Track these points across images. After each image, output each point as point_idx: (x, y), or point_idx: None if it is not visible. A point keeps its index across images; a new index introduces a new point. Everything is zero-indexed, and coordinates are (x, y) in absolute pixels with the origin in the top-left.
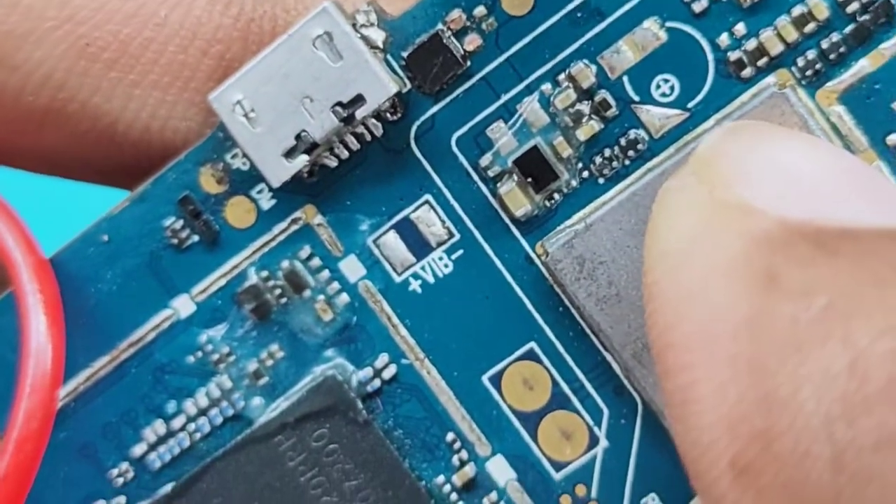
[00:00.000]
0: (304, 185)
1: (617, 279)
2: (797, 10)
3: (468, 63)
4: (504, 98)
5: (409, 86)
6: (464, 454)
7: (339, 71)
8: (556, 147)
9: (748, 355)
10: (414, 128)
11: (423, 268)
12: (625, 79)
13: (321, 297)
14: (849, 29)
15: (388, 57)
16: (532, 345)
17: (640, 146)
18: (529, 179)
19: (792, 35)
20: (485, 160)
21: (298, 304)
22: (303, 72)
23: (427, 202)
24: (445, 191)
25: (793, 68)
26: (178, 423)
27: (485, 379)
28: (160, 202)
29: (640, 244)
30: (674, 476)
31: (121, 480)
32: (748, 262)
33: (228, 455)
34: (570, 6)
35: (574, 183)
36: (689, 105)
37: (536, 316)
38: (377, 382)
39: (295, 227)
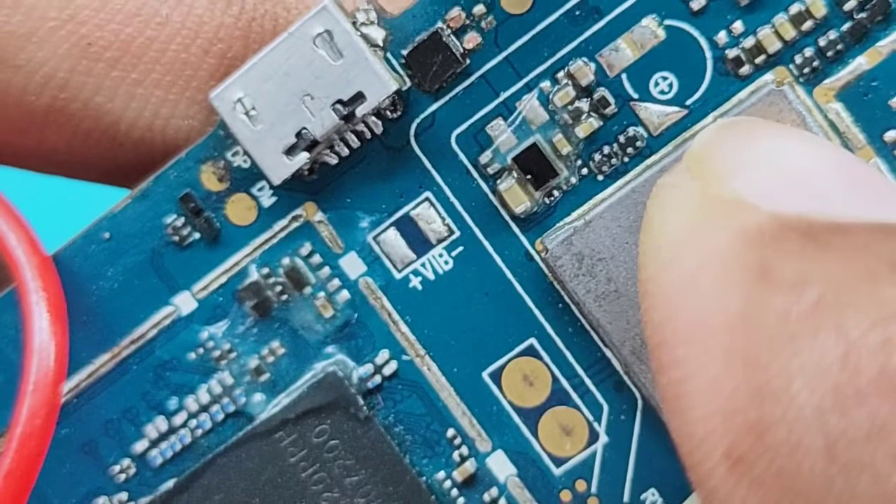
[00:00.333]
0: (305, 183)
1: (616, 275)
2: (795, 8)
3: (468, 61)
4: (503, 96)
5: (408, 83)
6: (464, 450)
7: (340, 69)
8: (555, 144)
9: (741, 348)
10: (414, 125)
11: (423, 265)
12: (623, 76)
13: (322, 293)
14: (846, 26)
15: (388, 55)
16: (532, 341)
17: (638, 143)
18: (529, 176)
19: (790, 33)
20: (484, 157)
21: (299, 300)
22: (303, 70)
23: (427, 199)
24: (445, 188)
25: (790, 66)
26: (179, 419)
27: (485, 375)
28: (161, 200)
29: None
30: (674, 471)
31: (122, 477)
32: (740, 256)
33: (230, 451)
34: (569, 4)
35: (573, 180)
36: (688, 102)
37: (536, 312)
38: (378, 379)
39: (296, 225)
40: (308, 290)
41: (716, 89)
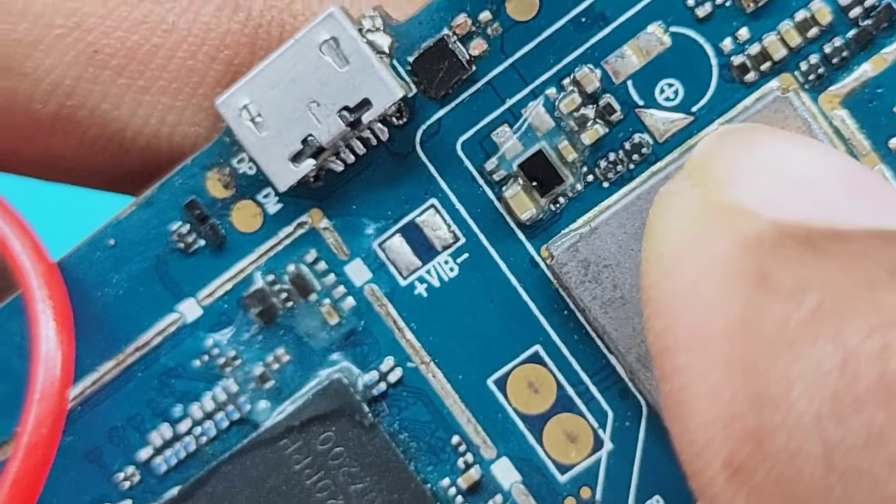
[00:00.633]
0: (311, 190)
1: (621, 282)
2: (800, 15)
3: (473, 68)
4: (509, 102)
5: (414, 90)
6: (469, 457)
7: (346, 76)
8: (561, 151)
9: (740, 355)
10: (420, 132)
11: (428, 271)
12: (629, 83)
13: (327, 300)
14: (851, 33)
15: (394, 62)
16: (537, 348)
17: (644, 150)
18: (534, 183)
19: (795, 40)
20: (490, 164)
21: (304, 307)
22: (309, 76)
23: (433, 206)
24: (451, 195)
25: (796, 72)
26: (184, 426)
27: (490, 382)
28: (167, 206)
29: None
30: (678, 478)
31: (127, 484)
32: (740, 263)
33: (234, 458)
34: (575, 11)
35: (579, 187)
36: (693, 109)
37: (541, 319)
38: (383, 386)
39: (301, 231)
40: (313, 297)
41: (721, 96)
